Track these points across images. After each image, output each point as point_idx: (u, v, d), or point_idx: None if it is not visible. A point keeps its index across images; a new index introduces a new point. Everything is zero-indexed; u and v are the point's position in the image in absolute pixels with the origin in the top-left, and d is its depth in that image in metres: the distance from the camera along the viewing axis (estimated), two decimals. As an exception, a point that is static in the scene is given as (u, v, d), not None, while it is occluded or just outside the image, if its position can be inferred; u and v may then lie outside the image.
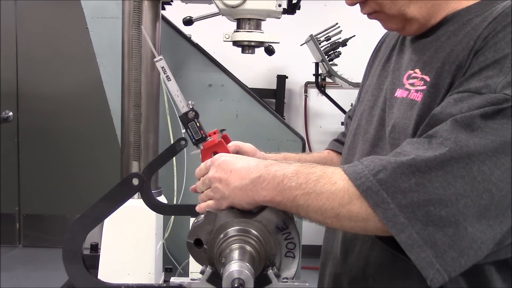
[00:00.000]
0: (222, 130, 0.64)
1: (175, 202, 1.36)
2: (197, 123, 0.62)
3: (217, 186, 0.53)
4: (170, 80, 0.62)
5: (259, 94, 1.66)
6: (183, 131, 0.62)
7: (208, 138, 0.63)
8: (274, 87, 2.46)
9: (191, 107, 0.63)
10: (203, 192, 0.57)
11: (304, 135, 2.51)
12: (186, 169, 1.35)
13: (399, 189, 0.42)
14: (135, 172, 0.54)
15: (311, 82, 2.53)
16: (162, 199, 1.27)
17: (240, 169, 0.52)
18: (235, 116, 1.52)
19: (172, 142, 1.43)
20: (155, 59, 0.62)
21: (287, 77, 2.47)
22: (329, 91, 2.47)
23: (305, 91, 2.60)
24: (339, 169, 0.48)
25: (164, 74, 0.61)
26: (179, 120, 0.63)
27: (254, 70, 2.51)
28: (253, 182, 0.50)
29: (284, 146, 1.53)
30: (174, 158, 1.35)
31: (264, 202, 0.50)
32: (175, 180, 1.37)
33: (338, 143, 0.79)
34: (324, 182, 0.47)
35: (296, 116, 2.65)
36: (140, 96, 1.20)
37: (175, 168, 1.35)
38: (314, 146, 2.61)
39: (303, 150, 1.53)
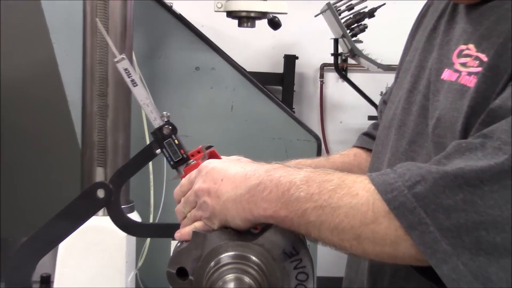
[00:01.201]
0: (208, 147, 0.65)
1: (151, 221, 1.37)
2: (175, 140, 0.63)
3: (205, 201, 0.54)
4: (137, 85, 0.63)
5: (261, 80, 1.66)
6: (157, 151, 0.63)
7: (191, 161, 0.63)
8: (281, 70, 2.46)
9: (166, 119, 0.64)
10: (185, 216, 0.58)
11: (319, 134, 2.51)
12: (166, 177, 1.36)
13: (441, 207, 0.40)
14: (100, 181, 0.56)
15: (329, 64, 2.53)
16: (135, 216, 1.28)
17: (233, 175, 0.53)
18: (229, 109, 1.53)
19: (148, 142, 1.45)
20: (115, 59, 0.62)
21: (297, 58, 2.47)
22: (352, 76, 2.48)
23: (321, 76, 2.61)
24: (364, 177, 0.47)
25: (128, 78, 0.63)
26: (154, 137, 0.64)
27: (255, 49, 2.52)
28: (251, 191, 0.50)
29: (294, 148, 1.54)
30: (150, 163, 1.37)
31: (265, 218, 0.50)
32: (152, 191, 1.37)
33: (369, 138, 0.79)
34: (342, 193, 0.46)
35: (309, 109, 2.66)
36: (107, 82, 1.20)
37: (151, 176, 1.36)
38: (332, 148, 2.61)
39: (319, 153, 1.54)
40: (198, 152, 0.65)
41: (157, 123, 0.64)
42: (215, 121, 1.52)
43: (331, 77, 2.62)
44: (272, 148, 1.53)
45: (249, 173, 0.52)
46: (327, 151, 2.56)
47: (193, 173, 0.58)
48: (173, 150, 0.64)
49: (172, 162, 0.64)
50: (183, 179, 0.60)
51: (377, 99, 2.17)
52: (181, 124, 1.58)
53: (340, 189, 0.47)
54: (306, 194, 0.47)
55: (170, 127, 0.64)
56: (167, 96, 1.50)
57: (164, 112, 0.64)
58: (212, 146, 0.66)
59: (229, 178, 0.53)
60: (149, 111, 0.63)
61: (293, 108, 2.45)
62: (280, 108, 1.52)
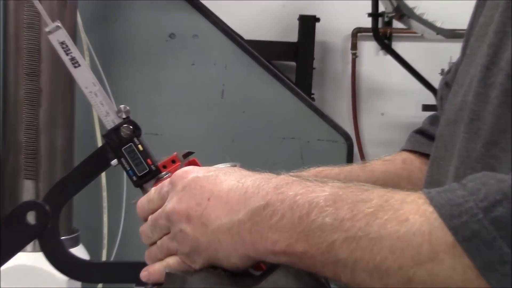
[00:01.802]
0: (187, 155, 0.66)
1: (105, 258, 1.39)
2: (139, 146, 0.65)
3: (183, 229, 0.55)
4: (79, 66, 0.63)
5: (265, 53, 1.66)
6: (113, 162, 0.65)
7: (163, 174, 0.65)
8: (295, 39, 2.47)
9: (125, 116, 0.64)
10: (154, 243, 0.59)
11: (351, 131, 2.51)
12: (125, 194, 1.36)
13: None
14: (31, 201, 0.56)
15: (365, 30, 2.53)
16: (81, 251, 1.28)
17: (227, 193, 0.54)
18: (218, 95, 1.55)
19: (99, 143, 1.46)
20: (46, 29, 0.62)
21: (318, 20, 2.48)
22: (398, 46, 2.50)
23: (353, 47, 2.62)
24: (418, 194, 0.47)
25: (67, 55, 0.63)
26: (106, 142, 0.64)
27: (257, 8, 2.52)
28: (254, 217, 0.51)
29: (313, 151, 1.55)
30: (103, 175, 1.38)
31: (274, 254, 0.51)
32: (105, 216, 1.38)
33: (424, 138, 0.79)
34: (386, 219, 0.46)
35: (335, 94, 2.67)
36: (40, 57, 1.20)
37: (105, 194, 1.36)
38: (370, 151, 2.62)
39: (350, 159, 1.55)
40: (173, 161, 0.65)
41: (110, 121, 0.64)
42: (198, 114, 1.53)
43: (368, 48, 2.63)
44: (282, 152, 1.53)
45: (251, 189, 0.53)
46: (362, 157, 2.57)
47: (165, 183, 0.59)
48: (135, 160, 0.65)
49: (134, 178, 0.65)
50: (152, 189, 0.61)
51: (435, 81, 2.17)
52: (149, 118, 1.60)
53: (382, 213, 0.47)
54: (333, 220, 0.48)
55: (131, 127, 0.64)
56: (128, 77, 1.51)
57: (122, 106, 0.65)
58: (193, 153, 0.67)
59: (221, 196, 0.54)
60: (98, 103, 0.64)
61: (313, 94, 2.46)
62: (293, 94, 1.53)
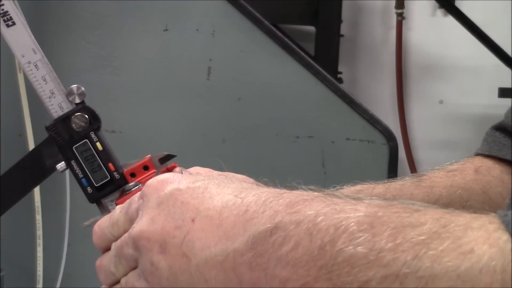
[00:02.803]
0: (164, 159, 0.68)
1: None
2: (97, 145, 0.67)
3: (154, 263, 0.56)
4: (13, 24, 0.65)
5: (273, 15, 1.63)
6: (59, 167, 0.67)
7: (131, 186, 0.67)
8: (313, -7, 2.48)
9: (78, 101, 0.66)
10: (118, 281, 0.61)
11: (395, 127, 2.51)
12: (68, 217, 1.36)
13: None
14: None
15: (415, -20, 2.55)
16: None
17: (219, 211, 0.55)
18: (204, 75, 1.56)
19: (31, 145, 1.47)
20: None
21: (347, -33, 2.49)
22: (464, 5, 2.50)
23: (399, 5, 2.62)
24: (489, 217, 0.48)
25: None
26: (50, 137, 0.66)
27: None
28: (257, 245, 0.53)
29: (341, 156, 1.59)
30: (37, 189, 1.39)
31: None
32: (40, 249, 1.39)
33: (505, 137, 0.81)
34: (442, 249, 0.47)
35: (373, 74, 2.67)
36: None
37: (39, 217, 1.37)
38: (424, 156, 2.62)
39: (393, 167, 1.57)
40: (145, 167, 0.67)
41: (56, 106, 0.66)
42: (174, 102, 1.54)
43: (421, 6, 2.64)
44: (295, 157, 1.54)
45: (253, 207, 0.54)
46: (412, 164, 2.57)
47: (135, 198, 0.60)
48: (92, 164, 0.66)
49: (90, 189, 0.66)
50: (117, 207, 0.63)
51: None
52: (101, 108, 1.57)
53: (437, 242, 0.48)
54: (368, 250, 0.49)
55: (87, 117, 0.66)
56: (69, 50, 1.52)
57: (75, 86, 0.66)
58: (173, 156, 0.68)
59: (210, 216, 0.55)
60: (40, 78, 0.65)
61: (340, 74, 2.46)
62: (312, 73, 1.54)
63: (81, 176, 0.66)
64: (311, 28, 2.44)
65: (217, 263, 0.53)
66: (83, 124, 0.66)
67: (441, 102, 2.64)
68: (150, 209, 0.57)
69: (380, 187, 0.80)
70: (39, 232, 1.38)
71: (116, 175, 0.66)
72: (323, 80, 1.53)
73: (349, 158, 1.53)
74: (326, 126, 1.54)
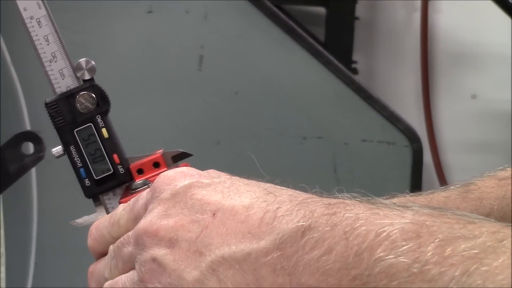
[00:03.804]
0: (179, 157, 0.69)
1: None
2: (103, 131, 0.68)
3: (157, 258, 0.57)
4: None
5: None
6: (55, 151, 0.68)
7: (139, 182, 0.67)
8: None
9: (87, 77, 0.68)
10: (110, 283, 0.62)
11: (420, 126, 2.51)
12: (36, 231, 1.37)
13: None
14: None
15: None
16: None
17: (247, 207, 0.57)
18: (195, 64, 1.57)
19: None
20: None
21: None
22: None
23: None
24: None
25: None
26: (49, 115, 0.67)
27: None
28: (284, 246, 0.54)
29: (356, 160, 1.60)
30: (0, 198, 1.39)
31: None
32: (2, 272, 1.39)
33: None
34: (496, 266, 0.47)
35: (393, 63, 2.67)
36: None
37: (1, 231, 1.37)
38: (454, 161, 2.62)
39: (416, 172, 1.56)
40: (156, 164, 0.68)
41: (59, 78, 0.67)
42: (159, 96, 1.54)
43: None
44: (302, 161, 1.55)
45: (287, 204, 0.56)
46: (439, 169, 2.57)
47: (143, 194, 0.62)
48: (94, 153, 0.67)
49: (88, 181, 0.68)
50: (120, 205, 0.64)
51: None
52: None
53: (491, 257, 0.48)
54: (412, 261, 0.50)
55: (94, 97, 0.67)
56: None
57: (83, 59, 0.68)
58: (189, 155, 0.69)
59: (235, 212, 0.56)
60: (42, 38, 0.66)
61: (354, 63, 2.46)
62: (321, 63, 1.54)
63: (79, 165, 0.67)
64: (321, 10, 2.45)
65: (235, 263, 0.54)
66: (89, 105, 0.67)
67: (473, 96, 2.64)
68: (163, 201, 0.58)
69: (420, 200, 0.80)
70: (2, 249, 1.38)
71: (121, 169, 0.67)
72: (335, 71, 1.53)
73: (365, 163, 1.54)
74: (338, 125, 1.54)
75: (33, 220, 1.39)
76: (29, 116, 1.46)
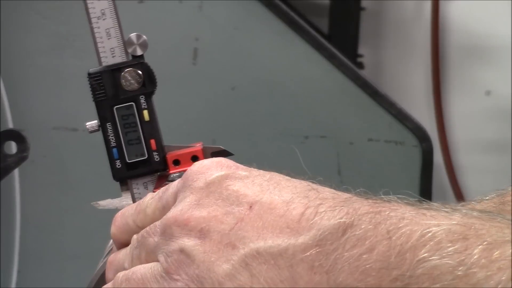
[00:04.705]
0: (220, 154, 0.70)
1: None
2: (144, 114, 0.69)
3: (185, 249, 0.58)
4: None
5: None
6: (90, 125, 0.69)
7: (175, 175, 0.68)
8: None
9: (139, 53, 0.70)
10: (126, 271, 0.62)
11: (430, 125, 2.51)
12: (19, 237, 1.37)
13: None
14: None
15: None
16: None
17: (287, 202, 0.58)
18: (189, 57, 1.57)
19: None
20: None
21: None
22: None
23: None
24: None
25: None
26: (90, 86, 0.68)
27: None
28: (324, 243, 0.55)
29: (361, 161, 1.60)
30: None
31: None
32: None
33: None
34: None
35: (402, 58, 2.67)
36: None
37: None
38: (467, 162, 2.62)
39: (426, 174, 1.57)
40: (194, 157, 0.69)
41: (108, 50, 0.68)
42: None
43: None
44: (304, 160, 1.52)
45: (330, 202, 0.57)
46: (451, 170, 2.57)
47: (174, 183, 0.63)
48: (130, 134, 0.68)
49: (118, 163, 0.68)
50: (148, 194, 0.65)
51: None
52: (64, 99, 1.59)
53: None
54: (456, 264, 0.50)
55: (142, 75, 0.69)
56: (25, 23, 1.52)
57: (134, 34, 0.70)
58: (229, 155, 0.70)
59: (274, 206, 0.57)
60: (97, 11, 0.67)
61: (360, 56, 2.47)
62: (325, 57, 1.55)
63: (113, 144, 0.68)
64: (325, 1, 2.45)
65: (270, 258, 0.55)
66: (134, 83, 0.68)
67: (488, 93, 2.64)
68: (196, 190, 0.59)
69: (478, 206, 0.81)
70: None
71: (156, 157, 0.68)
72: (339, 65, 1.54)
73: (372, 164, 1.54)
74: (343, 124, 1.54)
75: (16, 225, 1.39)
76: (12, 114, 1.46)
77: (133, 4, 1.52)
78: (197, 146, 0.69)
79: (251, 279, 0.55)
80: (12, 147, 0.82)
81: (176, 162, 0.68)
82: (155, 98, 1.37)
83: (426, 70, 2.64)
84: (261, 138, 1.54)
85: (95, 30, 0.67)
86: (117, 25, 0.68)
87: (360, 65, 2.38)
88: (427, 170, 1.56)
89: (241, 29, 1.54)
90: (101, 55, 0.67)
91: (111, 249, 0.66)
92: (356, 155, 1.55)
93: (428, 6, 2.63)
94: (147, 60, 1.56)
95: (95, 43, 0.67)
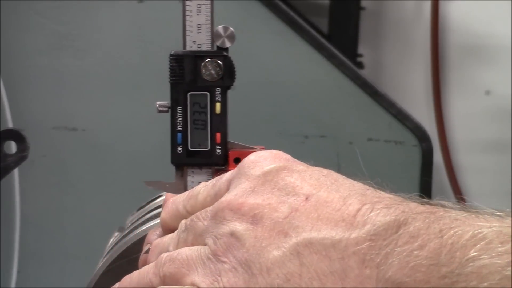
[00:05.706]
0: None
1: None
2: (216, 106, 0.71)
3: (236, 233, 0.59)
4: None
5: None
6: (159, 105, 0.71)
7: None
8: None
9: (227, 45, 0.71)
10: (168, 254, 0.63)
11: (429, 125, 2.51)
12: (18, 237, 1.37)
13: None
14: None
15: None
16: None
17: (344, 197, 0.58)
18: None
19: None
20: None
21: None
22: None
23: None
24: None
25: None
26: (169, 67, 0.70)
27: None
28: (377, 237, 0.55)
29: (360, 163, 1.55)
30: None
31: None
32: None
33: None
34: None
35: (402, 57, 2.67)
36: None
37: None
38: (467, 162, 2.62)
39: (426, 174, 1.57)
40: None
41: (194, 37, 0.69)
42: (151, 91, 1.53)
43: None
44: (303, 160, 1.52)
45: (387, 201, 0.58)
46: (452, 174, 2.57)
47: (228, 173, 0.64)
48: (198, 123, 0.70)
49: (180, 148, 0.70)
50: (202, 183, 0.67)
51: None
52: (64, 99, 1.59)
53: None
54: (506, 263, 0.51)
55: (222, 67, 0.69)
56: (25, 23, 1.52)
57: (221, 26, 0.71)
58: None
59: (330, 200, 0.58)
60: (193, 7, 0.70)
61: (360, 56, 2.46)
62: (324, 56, 1.55)
63: (179, 128, 0.69)
64: (325, 0, 2.45)
65: (322, 248, 0.55)
66: (214, 74, 0.69)
67: (487, 93, 2.64)
68: (252, 177, 0.60)
69: None
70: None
71: (218, 151, 0.69)
72: (339, 65, 1.53)
73: (371, 163, 1.53)
74: (343, 123, 1.54)
75: (15, 225, 1.40)
76: (12, 114, 1.46)
77: (133, 4, 1.52)
78: (260, 149, 0.69)
79: (301, 268, 0.55)
80: (12, 146, 0.82)
81: (237, 160, 0.69)
82: (150, 94, 1.37)
83: (426, 70, 2.64)
84: (261, 138, 1.54)
85: (187, 8, 0.69)
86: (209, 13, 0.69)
87: (360, 65, 2.38)
88: (426, 170, 1.55)
89: (240, 29, 1.53)
90: (187, 37, 0.69)
91: (111, 248, 0.66)
92: (356, 154, 1.55)
93: (428, 6, 2.63)
94: (147, 59, 1.57)
95: (185, 23, 0.69)
